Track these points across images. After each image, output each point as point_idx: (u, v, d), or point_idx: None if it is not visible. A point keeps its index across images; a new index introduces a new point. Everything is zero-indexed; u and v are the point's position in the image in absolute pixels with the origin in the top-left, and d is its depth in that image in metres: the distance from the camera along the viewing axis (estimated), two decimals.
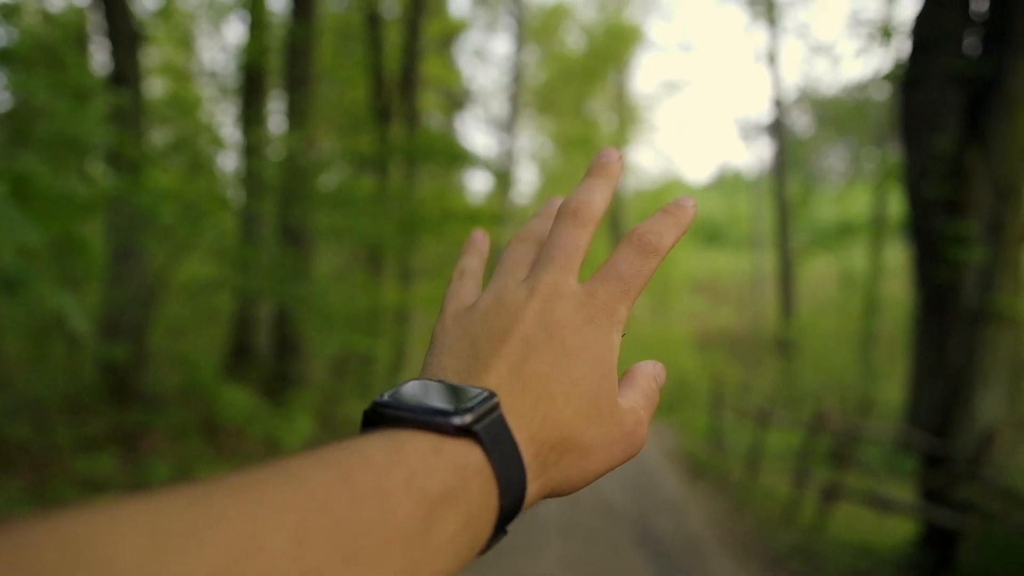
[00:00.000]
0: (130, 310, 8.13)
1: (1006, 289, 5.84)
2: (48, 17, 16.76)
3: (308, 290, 8.70)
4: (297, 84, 11.55)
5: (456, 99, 38.32)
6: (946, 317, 5.89)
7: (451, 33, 33.76)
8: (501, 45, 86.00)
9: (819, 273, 36.97)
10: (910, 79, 6.32)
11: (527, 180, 53.55)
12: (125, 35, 10.27)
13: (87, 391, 7.67)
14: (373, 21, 16.57)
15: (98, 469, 5.67)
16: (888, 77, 6.92)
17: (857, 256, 28.82)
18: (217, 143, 10.09)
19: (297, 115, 11.44)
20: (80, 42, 15.80)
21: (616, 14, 47.24)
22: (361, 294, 11.15)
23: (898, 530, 6.71)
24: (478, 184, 52.01)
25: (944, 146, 6.01)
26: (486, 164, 19.02)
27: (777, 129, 32.85)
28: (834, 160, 56.72)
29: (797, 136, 46.08)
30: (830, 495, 7.37)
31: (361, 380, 13.02)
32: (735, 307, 43.74)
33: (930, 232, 6.04)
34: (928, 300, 6.10)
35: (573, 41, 49.87)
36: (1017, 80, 5.88)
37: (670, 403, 19.54)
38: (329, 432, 9.28)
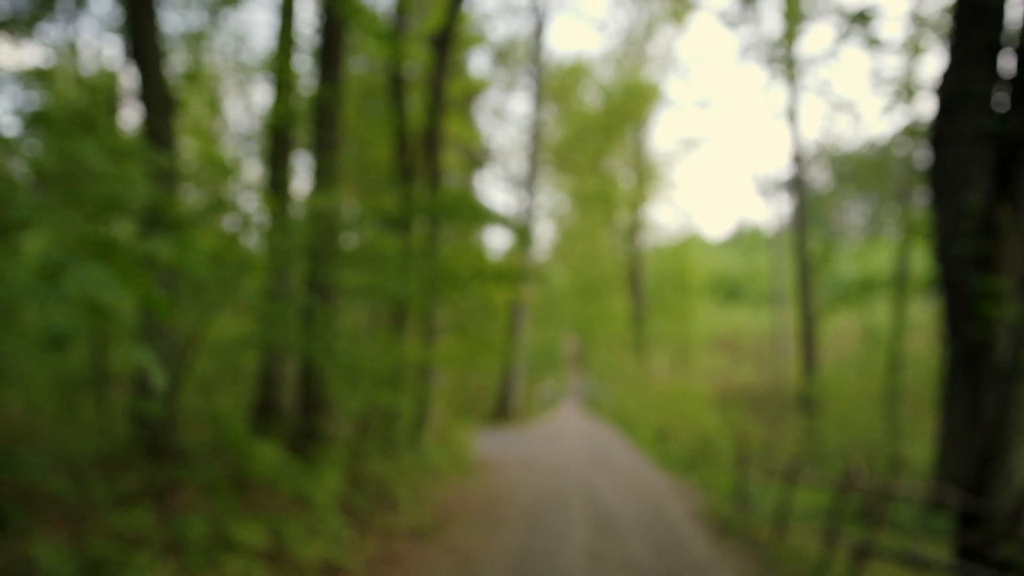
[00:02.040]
0: (162, 367, 8.21)
1: None
2: (80, 81, 17.24)
3: (336, 346, 8.76)
4: (324, 145, 11.77)
5: (475, 157, 38.82)
6: (979, 374, 5.86)
7: (471, 93, 34.36)
8: (519, 104, 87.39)
9: (841, 330, 36.77)
10: (938, 137, 6.39)
11: (544, 236, 53.85)
12: (158, 98, 10.53)
13: (119, 447, 7.72)
14: (396, 83, 16.92)
15: (134, 524, 5.69)
16: (911, 133, 6.98)
17: (880, 312, 28.68)
18: (256, 204, 10.27)
19: (324, 175, 11.63)
20: (110, 105, 16.22)
21: (634, 72, 47.93)
22: (385, 351, 11.20)
23: None
24: (497, 241, 52.43)
25: (975, 203, 6.04)
26: (506, 222, 19.17)
27: (797, 185, 32.96)
28: (854, 216, 56.76)
29: (817, 192, 46.19)
30: (862, 554, 7.24)
31: (384, 436, 13.02)
32: (755, 364, 43.52)
33: (961, 289, 6.05)
34: (960, 357, 6.07)
35: (591, 99, 50.59)
36: None
37: (693, 461, 19.31)
38: (357, 488, 9.25)
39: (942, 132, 6.32)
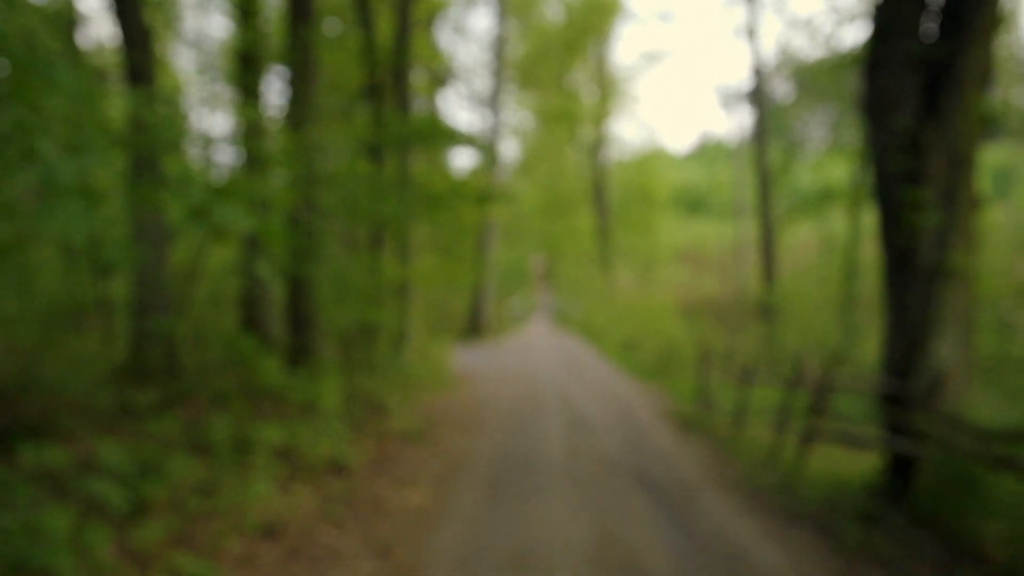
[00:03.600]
0: (162, 291, 8.81)
1: (958, 249, 6.59)
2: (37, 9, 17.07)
3: (328, 267, 9.38)
4: (299, 78, 12.03)
5: (438, 77, 38.68)
6: (907, 275, 6.65)
7: (434, 12, 34.11)
8: (480, 20, 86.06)
9: (801, 239, 37.80)
10: (873, 61, 7.03)
11: (510, 154, 53.94)
12: (136, 30, 10.78)
13: (129, 365, 8.36)
14: (363, 3, 17.00)
15: (164, 429, 6.40)
16: (852, 60, 7.61)
17: (837, 222, 29.63)
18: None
19: (302, 104, 11.95)
20: (68, 33, 16.09)
21: None
22: (370, 270, 11.80)
23: (868, 464, 7.52)
24: (463, 160, 52.46)
25: (904, 123, 6.73)
26: (474, 143, 19.57)
27: (757, 97, 33.45)
28: (816, 127, 57.28)
29: (778, 103, 46.54)
30: (807, 439, 8.18)
31: (366, 352, 13.74)
32: (719, 275, 44.61)
33: (892, 200, 6.78)
34: (892, 261, 6.85)
35: (553, 13, 50.27)
36: (968, 63, 6.59)
37: (659, 368, 20.35)
38: (350, 398, 10.00)
39: (876, 57, 6.96)
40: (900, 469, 6.49)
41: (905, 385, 6.56)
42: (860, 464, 7.66)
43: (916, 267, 6.60)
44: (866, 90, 7.11)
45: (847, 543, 5.74)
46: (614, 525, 6.21)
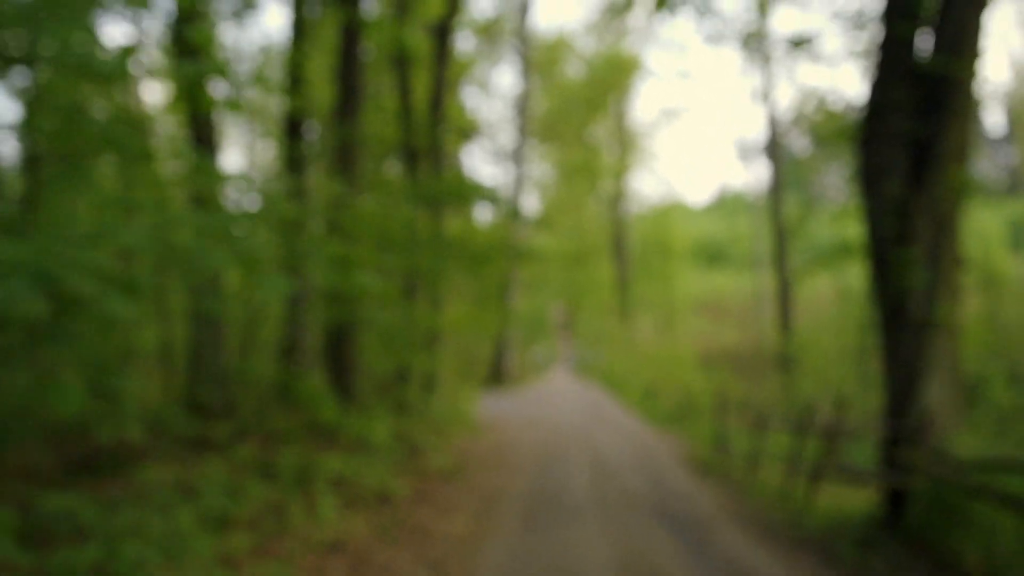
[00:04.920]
0: (217, 337, 9.75)
1: (944, 303, 7.38)
2: None
3: (372, 315, 10.27)
4: (345, 157, 13.01)
5: (464, 132, 39.99)
6: (898, 327, 7.45)
7: (461, 72, 35.50)
8: (504, 77, 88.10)
9: (819, 291, 38.42)
10: (867, 137, 7.90)
11: (532, 206, 55.02)
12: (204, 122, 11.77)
13: (193, 405, 9.26)
14: (400, 64, 18.01)
15: (242, 459, 7.26)
16: (851, 134, 8.51)
17: (853, 274, 30.28)
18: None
19: (346, 175, 12.84)
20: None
21: (616, 44, 49.07)
22: (404, 319, 12.67)
23: (869, 499, 8.20)
24: (486, 212, 53.60)
25: (894, 191, 7.57)
26: (501, 201, 20.47)
27: (773, 152, 34.33)
28: (833, 180, 58.03)
29: (796, 156, 47.33)
30: (815, 476, 8.89)
31: (398, 397, 14.57)
32: (737, 326, 45.17)
33: (884, 259, 7.60)
34: (884, 314, 7.66)
35: (574, 71, 51.80)
36: (948, 140, 7.46)
37: (678, 416, 20.99)
38: (399, 440, 10.84)
39: (870, 132, 7.85)
40: (895, 500, 7.21)
41: (899, 425, 7.32)
42: (862, 499, 8.35)
43: (906, 319, 7.39)
44: (861, 161, 7.98)
45: (845, 564, 6.45)
46: (637, 549, 6.95)
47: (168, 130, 16.23)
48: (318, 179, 15.20)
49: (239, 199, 9.03)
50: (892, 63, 7.68)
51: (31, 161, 7.05)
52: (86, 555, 4.14)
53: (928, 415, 7.11)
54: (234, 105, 9.16)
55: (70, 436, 7.76)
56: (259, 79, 15.34)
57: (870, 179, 7.76)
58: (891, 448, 7.36)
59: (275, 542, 6.09)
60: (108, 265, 4.26)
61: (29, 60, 6.16)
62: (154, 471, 5.80)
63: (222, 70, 8.64)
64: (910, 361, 7.35)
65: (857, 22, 10.68)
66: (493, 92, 50.83)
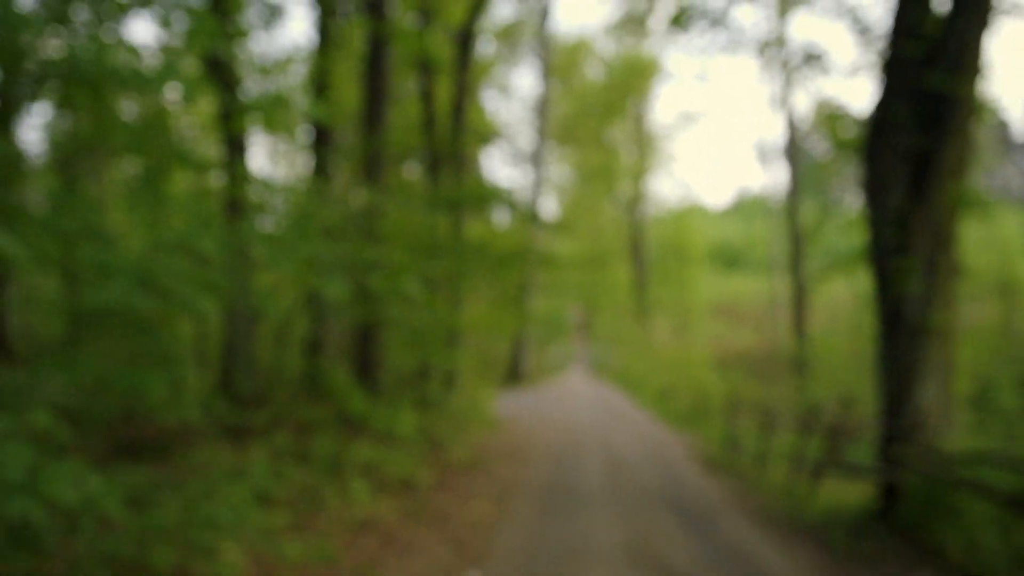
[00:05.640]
0: (249, 330, 10.33)
1: (940, 310, 7.82)
2: None
3: (400, 314, 10.82)
4: (373, 163, 13.58)
5: (484, 136, 40.49)
6: (896, 331, 7.91)
7: (481, 75, 36.00)
8: (523, 79, 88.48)
9: (835, 295, 38.68)
10: (870, 151, 8.35)
11: (550, 208, 55.43)
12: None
13: (223, 391, 9.87)
14: (424, 70, 18.57)
15: (281, 443, 7.84)
16: (856, 147, 8.94)
17: (867, 280, 30.50)
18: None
19: (371, 181, 13.39)
20: None
21: (635, 47, 49.39)
22: (431, 318, 13.20)
23: (866, 493, 8.67)
24: (504, 215, 54.10)
25: (895, 203, 8.03)
26: (519, 206, 20.92)
27: (792, 155, 34.54)
28: (853, 183, 57.83)
29: (815, 160, 47.34)
30: (817, 472, 9.36)
31: (419, 393, 15.11)
32: (754, 329, 45.49)
33: (885, 268, 8.07)
34: (883, 319, 8.12)
35: (594, 73, 52.20)
36: (947, 155, 7.90)
37: (692, 417, 21.43)
38: (421, 433, 11.39)
39: (874, 146, 8.31)
40: (889, 494, 7.69)
41: (894, 423, 7.79)
42: (860, 494, 8.82)
43: (903, 324, 7.86)
44: (865, 173, 8.44)
45: (837, 550, 6.94)
46: (645, 534, 7.45)
47: (192, 131, 16.87)
48: (344, 184, 15.81)
49: (278, 205, 9.59)
50: (897, 80, 8.13)
51: (62, 162, 7.58)
52: (171, 514, 4.73)
53: (921, 414, 7.58)
54: (271, 124, 9.66)
55: (134, 419, 8.37)
56: (285, 96, 15.96)
57: (873, 190, 8.22)
58: (887, 445, 7.83)
59: (312, 519, 6.66)
60: (189, 268, 4.80)
61: (64, 69, 6.46)
62: (207, 453, 6.39)
63: (262, 106, 9.21)
64: (906, 364, 7.82)
65: (866, 39, 11.11)
66: (512, 95, 51.22)
